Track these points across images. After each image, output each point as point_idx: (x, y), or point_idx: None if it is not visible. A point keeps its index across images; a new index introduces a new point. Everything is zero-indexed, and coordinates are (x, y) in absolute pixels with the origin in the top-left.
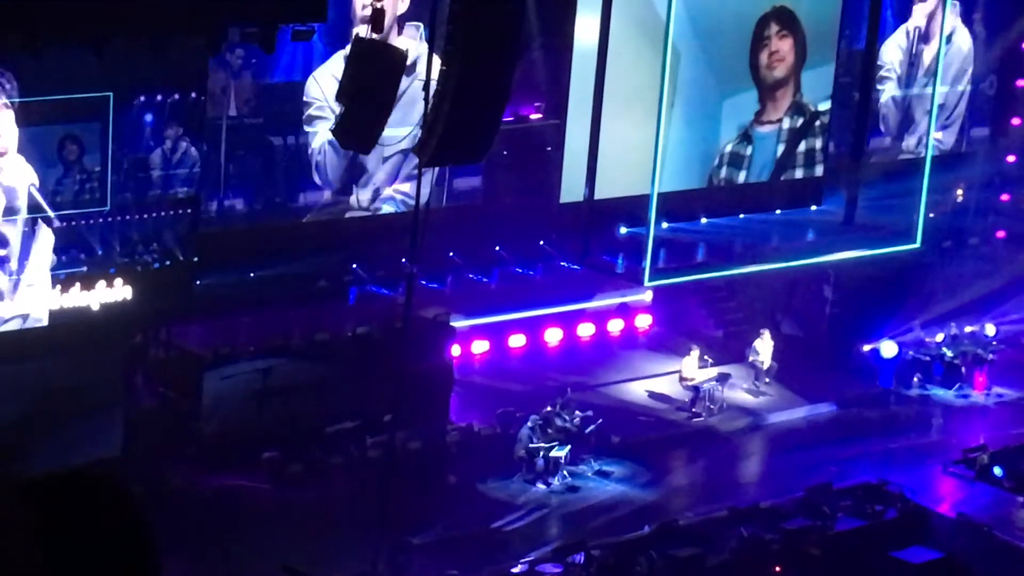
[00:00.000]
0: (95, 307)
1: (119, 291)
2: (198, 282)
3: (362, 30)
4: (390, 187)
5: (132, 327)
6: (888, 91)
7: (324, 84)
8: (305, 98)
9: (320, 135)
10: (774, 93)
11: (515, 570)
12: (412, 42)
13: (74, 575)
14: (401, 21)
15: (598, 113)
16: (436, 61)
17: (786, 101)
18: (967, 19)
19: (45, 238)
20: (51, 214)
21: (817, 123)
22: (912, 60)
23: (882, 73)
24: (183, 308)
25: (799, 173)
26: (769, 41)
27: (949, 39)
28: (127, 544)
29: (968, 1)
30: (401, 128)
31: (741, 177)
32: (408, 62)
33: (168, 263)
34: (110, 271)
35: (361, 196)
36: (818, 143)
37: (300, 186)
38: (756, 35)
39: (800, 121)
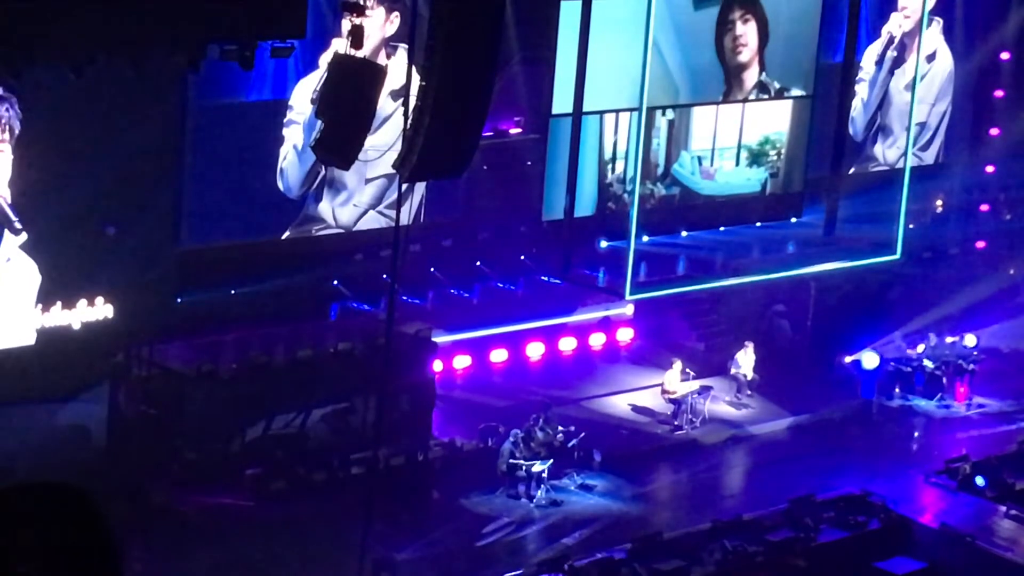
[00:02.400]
0: (76, 326)
1: (100, 310)
2: (179, 300)
3: (341, 45)
4: (375, 209)
5: (114, 345)
6: (859, 93)
7: (305, 89)
8: (290, 101)
9: (288, 140)
10: (740, 75)
11: None
12: (402, 64)
13: None
14: (390, 43)
15: (577, 128)
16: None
17: (751, 82)
18: (948, 35)
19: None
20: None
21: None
22: (883, 63)
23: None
24: (164, 326)
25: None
26: (733, 26)
27: (931, 58)
28: (88, 549)
29: (949, 15)
30: (390, 153)
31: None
32: (398, 86)
33: (149, 281)
34: (92, 290)
35: (340, 213)
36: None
37: (275, 201)
38: (720, 20)
39: (765, 98)
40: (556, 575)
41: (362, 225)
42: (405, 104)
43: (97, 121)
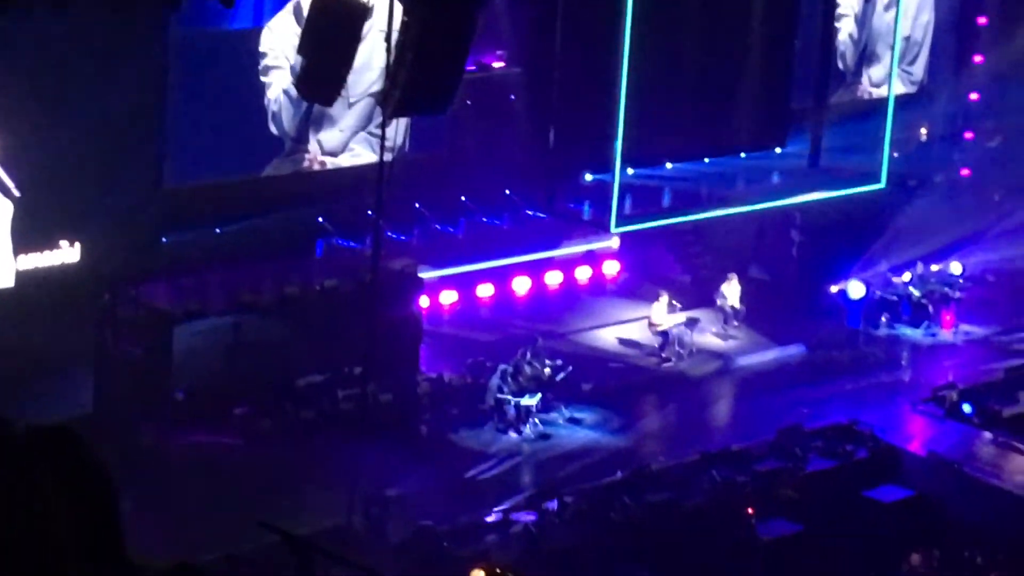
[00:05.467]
0: (60, 267)
1: (85, 251)
2: (164, 240)
3: None
4: (363, 131)
5: (100, 286)
6: (845, 28)
7: (278, 34)
8: (260, 48)
9: (275, 85)
10: None
11: (489, 519)
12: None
13: (32, 525)
14: None
15: (560, 61)
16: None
17: None
18: None
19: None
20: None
21: None
22: None
23: (839, 11)
24: (150, 266)
25: None
26: None
27: None
28: (85, 492)
29: None
30: (367, 73)
31: None
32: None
33: (134, 222)
34: (76, 231)
35: (325, 139)
36: None
37: (258, 137)
38: None
39: None
40: (546, 506)
41: (351, 150)
42: (388, 40)
43: (78, 63)
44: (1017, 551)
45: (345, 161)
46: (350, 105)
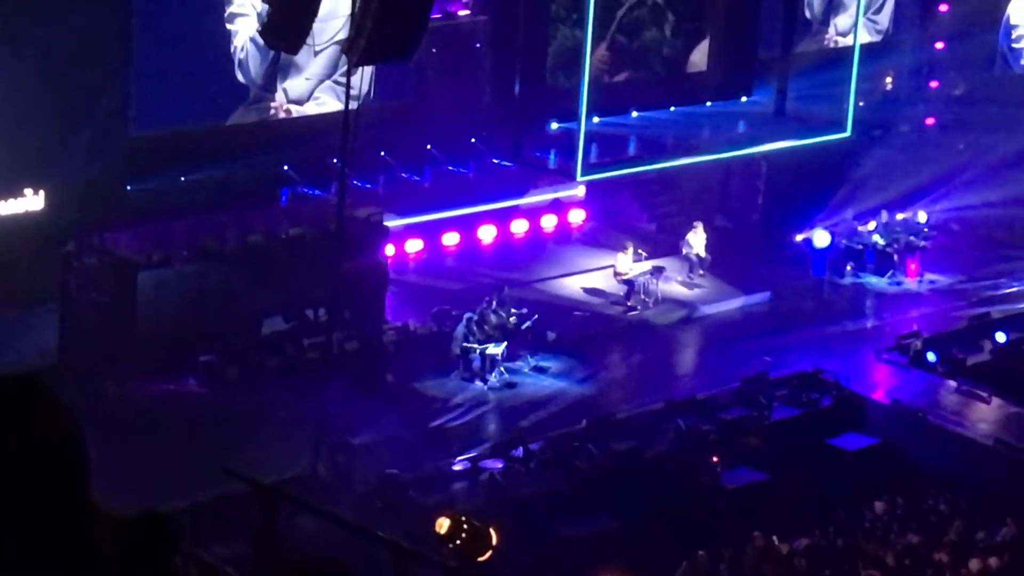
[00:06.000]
0: (24, 215)
1: (49, 199)
2: (129, 188)
3: None
4: (329, 79)
5: (64, 234)
6: None
7: None
8: None
9: (242, 33)
10: None
11: (455, 467)
12: None
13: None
14: None
15: (526, 9)
16: None
17: None
18: None
19: None
20: None
21: None
22: None
23: None
24: (114, 214)
25: None
26: None
27: None
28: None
29: None
30: (332, 20)
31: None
32: None
33: (98, 170)
34: (40, 179)
35: (291, 87)
36: None
37: (224, 85)
38: None
39: None
40: (511, 456)
41: (316, 99)
42: None
43: (39, 8)
44: (980, 498)
45: (311, 110)
46: (316, 53)
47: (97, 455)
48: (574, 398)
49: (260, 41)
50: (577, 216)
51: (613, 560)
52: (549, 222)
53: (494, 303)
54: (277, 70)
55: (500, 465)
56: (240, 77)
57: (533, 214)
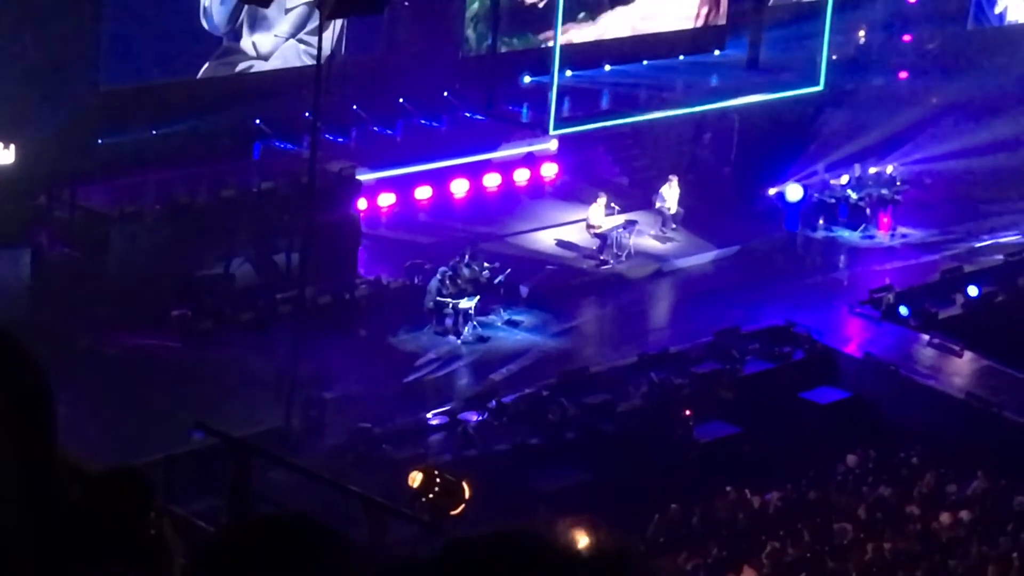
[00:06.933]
0: None
1: (20, 152)
2: (100, 141)
3: None
4: (295, 38)
5: (35, 188)
6: None
7: None
8: None
9: None
10: None
11: (429, 421)
12: None
13: None
14: None
15: None
16: None
17: None
18: None
19: None
20: None
21: None
22: None
23: None
24: (85, 168)
25: None
26: None
27: None
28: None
29: None
30: None
31: None
32: None
33: (69, 123)
34: (11, 132)
35: (260, 42)
36: None
37: (195, 37)
38: None
39: None
40: (483, 410)
41: (282, 55)
42: None
43: None
44: (951, 451)
45: (276, 64)
46: (287, 11)
47: (69, 409)
48: (546, 352)
49: None
50: (550, 170)
51: (586, 513)
52: (522, 176)
53: (467, 257)
54: (241, 20)
55: (472, 419)
56: (204, 24)
57: (506, 168)
